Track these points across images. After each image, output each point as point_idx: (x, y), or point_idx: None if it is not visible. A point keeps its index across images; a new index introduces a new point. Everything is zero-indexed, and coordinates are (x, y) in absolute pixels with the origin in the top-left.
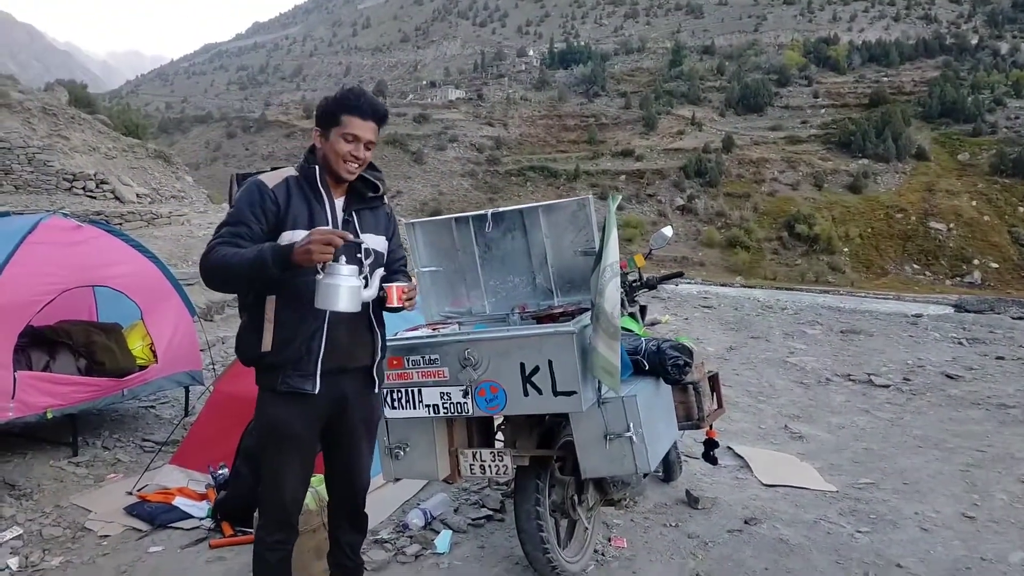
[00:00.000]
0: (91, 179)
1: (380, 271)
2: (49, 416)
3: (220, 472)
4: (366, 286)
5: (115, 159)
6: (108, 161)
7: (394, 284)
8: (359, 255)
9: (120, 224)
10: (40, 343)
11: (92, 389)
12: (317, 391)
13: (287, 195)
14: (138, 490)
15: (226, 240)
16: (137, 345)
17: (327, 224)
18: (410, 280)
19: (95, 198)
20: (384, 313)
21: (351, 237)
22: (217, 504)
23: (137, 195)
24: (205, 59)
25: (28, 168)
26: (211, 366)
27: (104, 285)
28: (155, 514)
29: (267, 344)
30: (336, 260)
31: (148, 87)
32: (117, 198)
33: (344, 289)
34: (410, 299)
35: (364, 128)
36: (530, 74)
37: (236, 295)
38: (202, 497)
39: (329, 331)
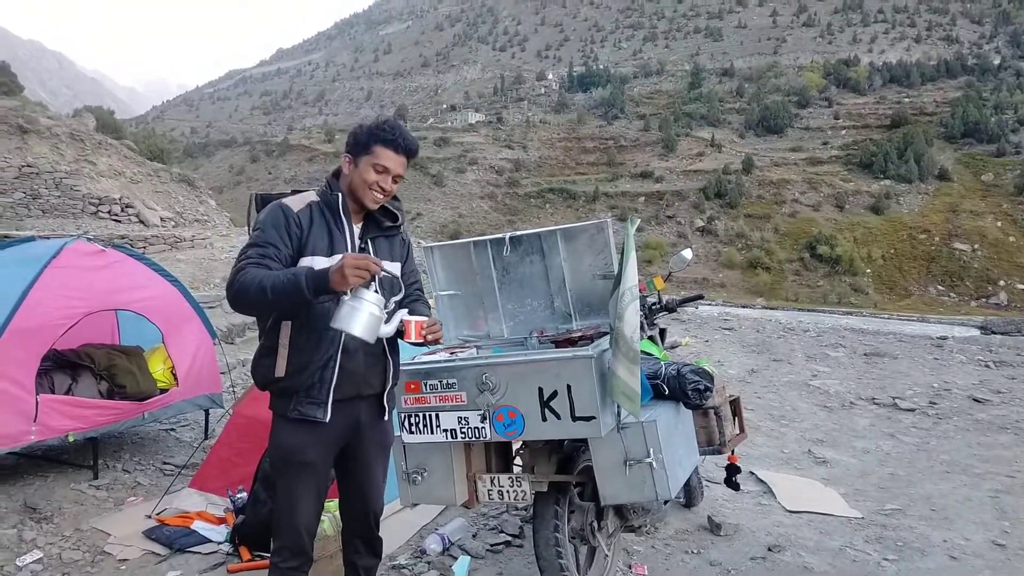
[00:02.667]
0: (116, 203)
1: (404, 312)
2: (71, 439)
3: (239, 496)
4: (387, 321)
5: (140, 183)
6: (133, 185)
7: (413, 318)
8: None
9: (144, 248)
10: (63, 367)
11: (113, 412)
12: (328, 419)
13: (310, 220)
14: (157, 514)
15: (255, 261)
16: (158, 368)
17: (346, 251)
18: (428, 307)
19: (120, 222)
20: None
21: (385, 268)
22: (236, 528)
23: (161, 219)
24: (229, 85)
25: (56, 192)
26: (231, 389)
27: (126, 309)
28: (174, 538)
29: (281, 369)
30: (367, 287)
31: (173, 113)
32: (142, 222)
33: (366, 315)
34: (432, 334)
35: (395, 161)
36: (549, 97)
37: (257, 320)
38: (221, 521)
39: (343, 359)
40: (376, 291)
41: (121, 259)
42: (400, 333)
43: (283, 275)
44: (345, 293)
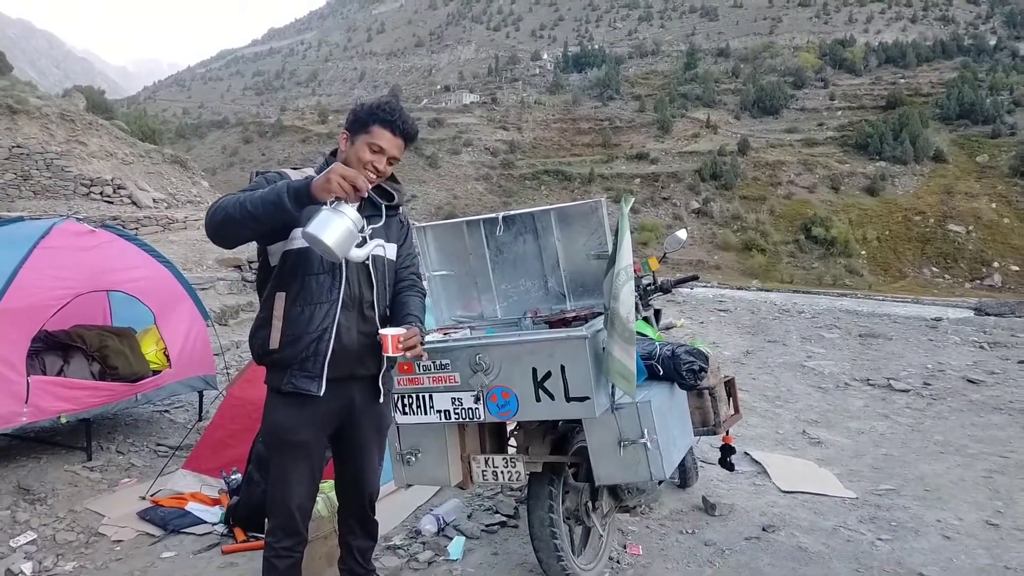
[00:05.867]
0: (108, 184)
1: (379, 241)
2: (63, 421)
3: (233, 477)
4: (360, 245)
5: (132, 164)
6: (125, 166)
7: (390, 331)
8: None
9: (136, 229)
10: (54, 348)
11: (106, 394)
12: (322, 393)
13: None
14: (151, 495)
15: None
16: (151, 350)
17: None
18: (422, 296)
19: (112, 203)
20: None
21: (369, 188)
22: (230, 509)
23: (153, 200)
24: (222, 65)
25: (46, 174)
26: (225, 370)
27: (118, 290)
28: (168, 519)
29: (275, 341)
30: (348, 203)
31: (165, 93)
32: (134, 203)
33: (342, 227)
34: (410, 347)
35: (391, 143)
36: (544, 78)
37: (257, 291)
38: (215, 502)
39: (337, 335)
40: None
41: (112, 240)
42: (378, 345)
43: (263, 189)
44: (325, 203)
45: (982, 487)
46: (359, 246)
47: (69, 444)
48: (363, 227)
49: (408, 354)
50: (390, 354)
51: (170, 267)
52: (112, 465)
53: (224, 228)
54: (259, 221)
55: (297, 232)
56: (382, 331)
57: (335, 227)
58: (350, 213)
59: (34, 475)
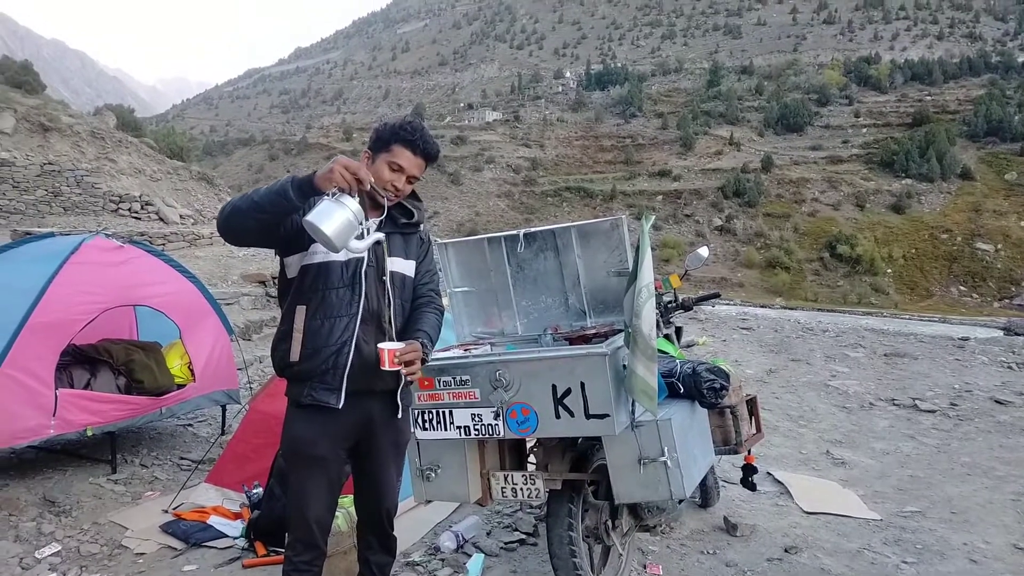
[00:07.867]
0: (137, 201)
1: (380, 235)
2: (89, 433)
3: (254, 491)
4: (360, 237)
5: (160, 181)
6: (153, 183)
7: (387, 346)
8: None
9: (163, 245)
10: (82, 361)
11: (131, 407)
12: (341, 406)
13: None
14: (174, 508)
15: None
16: (175, 364)
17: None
18: (439, 313)
19: (140, 219)
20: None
21: (373, 180)
22: (251, 523)
23: (180, 216)
24: (249, 83)
25: (77, 190)
26: (248, 385)
27: (145, 304)
28: (190, 532)
29: (295, 354)
30: (351, 195)
31: (194, 111)
32: (161, 219)
33: (342, 218)
34: (408, 363)
35: (411, 162)
36: (567, 95)
37: (279, 302)
38: (237, 516)
39: (357, 348)
40: (359, 202)
41: (140, 255)
42: (377, 357)
43: (271, 184)
44: (328, 194)
45: (1010, 510)
46: (359, 238)
47: (94, 457)
48: (364, 219)
49: (404, 370)
50: (386, 368)
51: (196, 282)
52: (136, 478)
53: (231, 219)
54: (264, 211)
55: (318, 247)
56: (380, 345)
57: (336, 217)
58: (351, 204)
59: (60, 487)
